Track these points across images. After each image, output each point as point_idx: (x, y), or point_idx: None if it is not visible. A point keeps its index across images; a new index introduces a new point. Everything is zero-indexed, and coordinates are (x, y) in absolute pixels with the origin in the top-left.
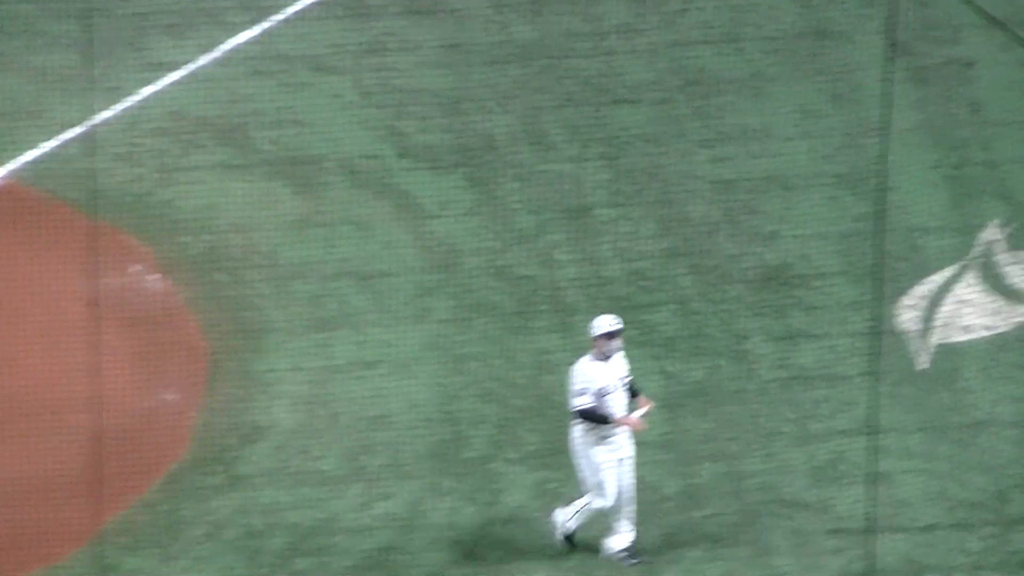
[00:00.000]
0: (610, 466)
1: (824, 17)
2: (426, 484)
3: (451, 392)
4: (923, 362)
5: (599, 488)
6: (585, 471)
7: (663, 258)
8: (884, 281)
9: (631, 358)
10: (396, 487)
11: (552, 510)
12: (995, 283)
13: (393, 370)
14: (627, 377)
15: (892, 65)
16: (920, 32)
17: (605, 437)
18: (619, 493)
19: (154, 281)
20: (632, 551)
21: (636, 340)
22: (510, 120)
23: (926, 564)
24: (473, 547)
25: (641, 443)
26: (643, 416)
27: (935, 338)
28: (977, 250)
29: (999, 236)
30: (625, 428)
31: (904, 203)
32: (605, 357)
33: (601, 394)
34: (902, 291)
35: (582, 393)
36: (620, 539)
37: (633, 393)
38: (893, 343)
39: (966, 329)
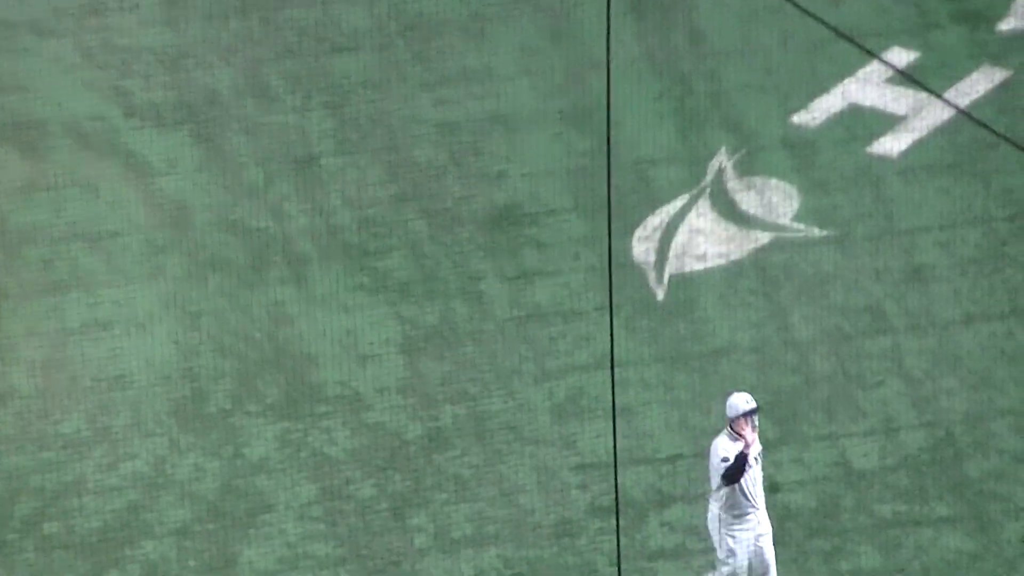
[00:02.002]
0: (745, 545)
1: None
2: (169, 441)
3: (188, 348)
4: (659, 293)
5: (731, 570)
6: (720, 552)
7: (392, 203)
8: (615, 215)
9: (363, 306)
10: (139, 446)
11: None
12: (727, 211)
13: (129, 330)
14: (760, 453)
15: None
16: None
17: (742, 515)
18: (750, 571)
19: None
20: None
21: (369, 287)
22: (233, 74)
23: (672, 494)
24: (219, 501)
25: (381, 390)
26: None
27: (670, 269)
28: (707, 179)
29: (728, 164)
30: (762, 507)
31: (630, 137)
32: (739, 437)
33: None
34: (634, 224)
35: (724, 461)
36: None
37: None
38: (628, 276)
39: (701, 258)
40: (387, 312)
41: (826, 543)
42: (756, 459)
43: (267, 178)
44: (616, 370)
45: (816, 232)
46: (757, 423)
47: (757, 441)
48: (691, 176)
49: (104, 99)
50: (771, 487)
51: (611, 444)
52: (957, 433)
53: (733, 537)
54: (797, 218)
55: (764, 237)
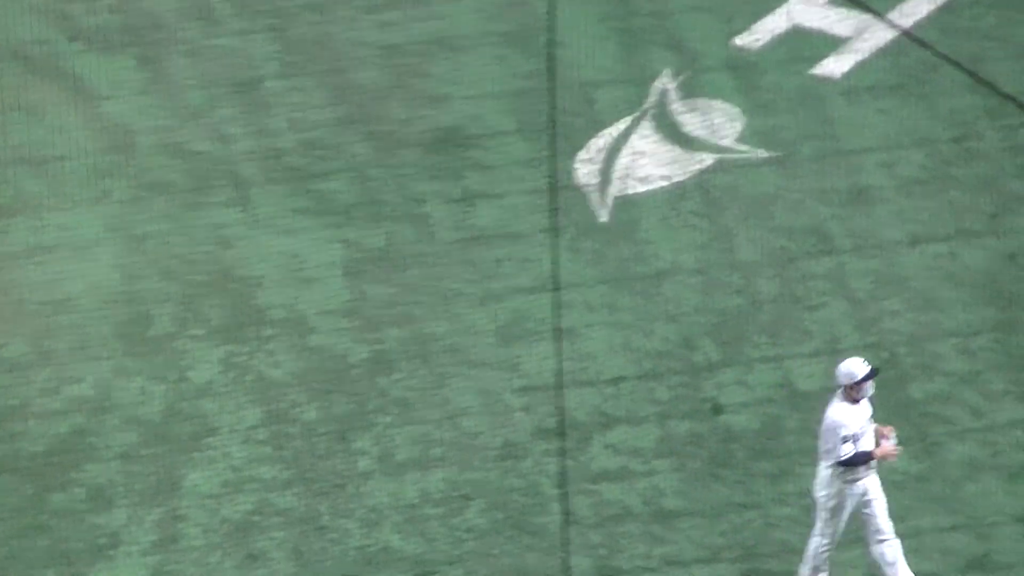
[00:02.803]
0: (846, 508)
1: None
2: (114, 365)
3: (132, 272)
4: (603, 215)
5: (824, 525)
6: (820, 509)
7: (336, 126)
8: (558, 137)
9: (306, 228)
10: (84, 370)
11: None
12: (670, 132)
13: (73, 253)
14: (871, 415)
15: None
16: None
17: (853, 480)
18: (836, 534)
19: None
20: None
21: (313, 210)
22: None
23: (616, 416)
24: (164, 425)
25: (325, 312)
26: (894, 441)
27: (613, 190)
28: (650, 100)
29: (671, 85)
30: (871, 470)
31: (574, 58)
32: (855, 400)
33: (856, 439)
34: (578, 146)
35: (846, 441)
36: None
37: None
38: (571, 198)
39: (644, 180)
40: (331, 235)
41: (771, 465)
42: (868, 424)
43: (211, 101)
44: (559, 292)
45: (760, 153)
46: (873, 388)
47: (867, 405)
48: (635, 98)
49: (49, 23)
50: (714, 409)
51: (555, 366)
52: (901, 354)
53: (839, 498)
54: (741, 140)
55: (708, 159)
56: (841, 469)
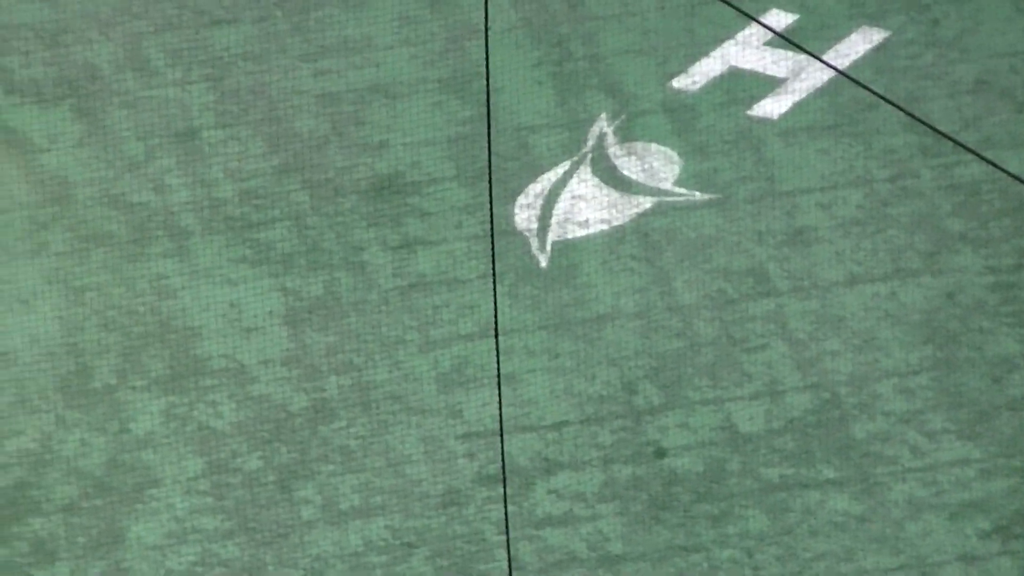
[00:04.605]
0: None
1: None
2: (55, 417)
3: (72, 324)
4: (542, 260)
5: None
6: None
7: (274, 175)
8: (496, 182)
9: (246, 278)
10: (25, 423)
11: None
12: (609, 176)
13: (12, 306)
14: None
15: None
16: None
17: None
18: None
19: None
20: None
21: (252, 259)
22: (112, 48)
23: (558, 461)
24: (106, 477)
25: (265, 362)
26: None
27: (553, 235)
28: (588, 145)
29: (608, 129)
30: None
31: (510, 103)
32: None
33: None
34: (516, 191)
35: None
36: None
37: None
38: (510, 244)
39: (583, 224)
40: (270, 284)
41: (713, 507)
42: None
43: (148, 152)
44: (500, 338)
45: (698, 196)
46: None
47: None
48: (572, 142)
49: None
50: (657, 452)
51: (496, 412)
52: (842, 395)
53: None
54: (679, 182)
55: (646, 202)
56: None
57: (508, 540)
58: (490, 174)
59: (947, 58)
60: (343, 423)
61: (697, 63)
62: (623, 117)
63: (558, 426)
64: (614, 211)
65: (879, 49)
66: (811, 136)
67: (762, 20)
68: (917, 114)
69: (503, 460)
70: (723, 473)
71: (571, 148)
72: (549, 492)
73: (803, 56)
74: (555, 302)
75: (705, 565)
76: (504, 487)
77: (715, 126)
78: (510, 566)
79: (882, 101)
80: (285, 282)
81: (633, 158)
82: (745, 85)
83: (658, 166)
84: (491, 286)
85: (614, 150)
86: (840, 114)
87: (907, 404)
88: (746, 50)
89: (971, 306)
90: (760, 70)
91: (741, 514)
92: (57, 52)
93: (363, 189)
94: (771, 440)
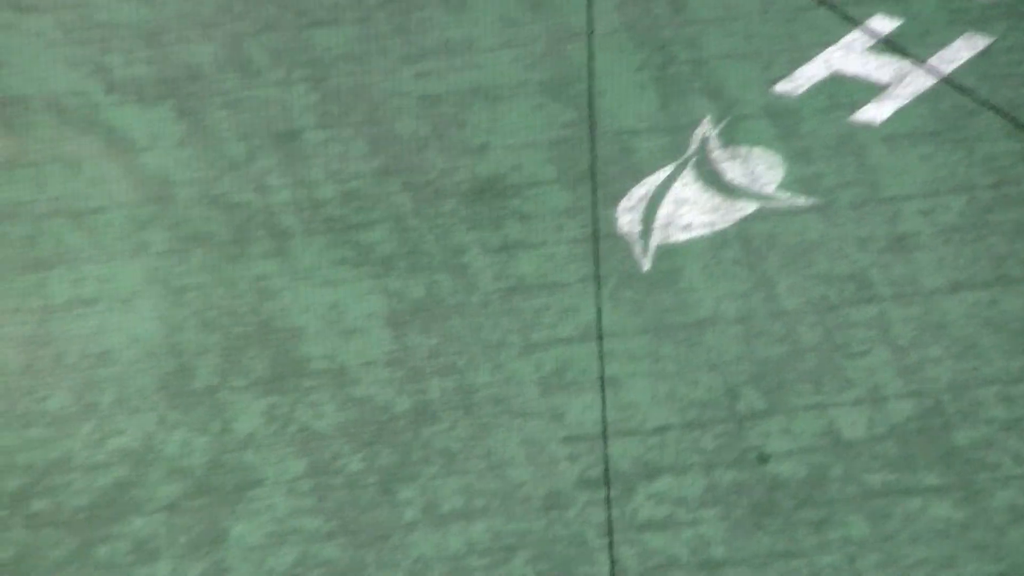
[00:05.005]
0: None
1: None
2: (156, 417)
3: (173, 324)
4: (645, 264)
5: None
6: None
7: (375, 177)
8: (598, 186)
9: (347, 279)
10: (126, 422)
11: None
12: (712, 180)
13: (113, 306)
14: None
15: None
16: None
17: None
18: None
19: None
20: None
21: (353, 261)
22: (213, 48)
23: (661, 465)
24: (208, 476)
25: (367, 363)
26: None
27: (655, 239)
28: (691, 148)
29: (712, 133)
30: None
31: (612, 107)
32: None
33: None
34: (618, 195)
35: None
36: None
37: None
38: (612, 247)
39: (686, 228)
40: (371, 286)
41: (815, 513)
42: None
43: (249, 152)
44: (602, 342)
45: (800, 201)
46: None
47: None
48: (674, 146)
49: (85, 75)
50: (760, 458)
51: (598, 416)
52: (944, 402)
53: None
54: (782, 187)
55: (749, 207)
56: None
57: (611, 543)
58: (594, 177)
59: None
60: (445, 425)
61: (800, 68)
62: (726, 121)
63: (660, 430)
64: (717, 215)
65: (982, 55)
66: (913, 142)
67: (866, 25)
68: (1019, 120)
69: (606, 463)
70: (825, 479)
71: (674, 152)
72: (650, 496)
73: (906, 62)
74: (657, 306)
75: (806, 571)
76: (608, 490)
77: (818, 131)
78: (612, 570)
79: (985, 108)
80: (386, 284)
81: (736, 162)
82: (848, 90)
83: (761, 170)
84: (592, 289)
85: (717, 154)
86: (942, 120)
87: (1009, 412)
88: (849, 55)
89: None
90: (863, 75)
91: (843, 520)
92: (158, 51)
93: (464, 191)
94: (873, 446)
